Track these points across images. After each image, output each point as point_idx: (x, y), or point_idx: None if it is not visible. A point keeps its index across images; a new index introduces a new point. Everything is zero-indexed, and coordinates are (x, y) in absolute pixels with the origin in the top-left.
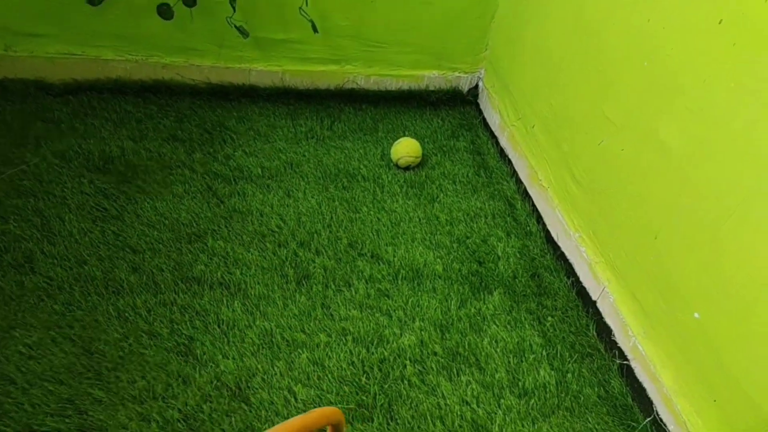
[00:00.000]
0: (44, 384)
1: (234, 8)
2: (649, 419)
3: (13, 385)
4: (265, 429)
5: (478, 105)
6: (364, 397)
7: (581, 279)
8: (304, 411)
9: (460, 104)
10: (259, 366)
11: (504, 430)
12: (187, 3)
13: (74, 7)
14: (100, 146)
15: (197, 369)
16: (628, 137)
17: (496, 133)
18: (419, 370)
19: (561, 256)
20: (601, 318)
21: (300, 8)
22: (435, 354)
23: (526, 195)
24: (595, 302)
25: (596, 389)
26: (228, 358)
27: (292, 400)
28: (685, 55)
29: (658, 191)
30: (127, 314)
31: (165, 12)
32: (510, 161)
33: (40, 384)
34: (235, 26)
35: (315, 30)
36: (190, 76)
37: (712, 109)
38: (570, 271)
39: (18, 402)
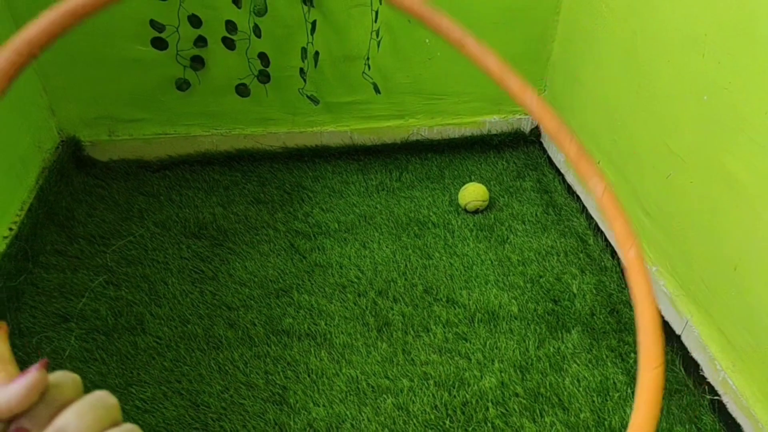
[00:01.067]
0: None
1: (305, 80)
2: None
3: None
4: None
5: (541, 144)
6: None
7: (663, 313)
8: None
9: (524, 145)
10: (348, 412)
11: None
12: (262, 80)
13: (165, 93)
14: (194, 214)
15: (291, 417)
16: (695, 170)
17: (561, 171)
18: (502, 412)
19: None
20: (687, 352)
21: (363, 72)
22: (516, 395)
23: (598, 230)
24: (679, 336)
25: (687, 426)
26: (319, 406)
27: None
28: (744, 88)
29: (733, 223)
30: (226, 367)
31: (243, 91)
32: (578, 197)
33: None
34: (307, 96)
35: (377, 91)
36: (268, 143)
37: None
38: None
39: None
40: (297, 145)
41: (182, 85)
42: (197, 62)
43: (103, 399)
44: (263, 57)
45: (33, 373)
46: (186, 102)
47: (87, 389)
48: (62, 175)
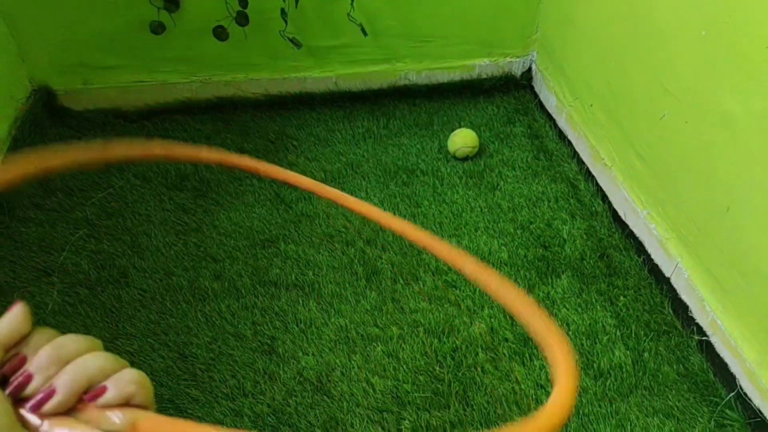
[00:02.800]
0: None
1: (286, 22)
2: (732, 394)
3: None
4: (348, 419)
5: (532, 88)
6: (439, 386)
7: (652, 256)
8: (383, 401)
9: (514, 89)
10: (337, 360)
11: (581, 411)
12: (240, 22)
13: (140, 37)
14: (175, 165)
15: (281, 366)
16: (690, 110)
17: (553, 115)
18: (491, 356)
19: (630, 235)
20: (677, 295)
21: (348, 14)
22: (506, 340)
23: (588, 175)
24: (668, 279)
25: (675, 367)
26: (308, 355)
27: (371, 390)
28: (745, 22)
29: (726, 164)
30: (213, 319)
31: (220, 34)
32: (570, 142)
33: None
34: (289, 38)
35: (364, 33)
36: (250, 90)
37: None
38: (640, 249)
39: None
40: (280, 92)
41: (157, 28)
42: (171, 2)
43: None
44: None
45: (18, 305)
46: (162, 47)
47: None
48: (36, 126)
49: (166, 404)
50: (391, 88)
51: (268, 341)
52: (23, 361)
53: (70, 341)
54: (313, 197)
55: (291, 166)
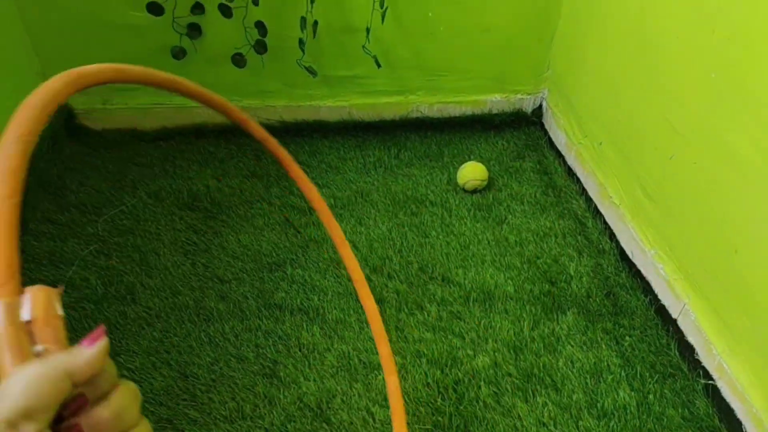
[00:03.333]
0: (146, 405)
1: (303, 51)
2: None
3: None
4: None
5: (542, 125)
6: (440, 418)
7: (659, 296)
8: (382, 431)
9: (525, 125)
10: (338, 387)
11: None
12: (258, 51)
13: (161, 61)
14: (188, 185)
15: (281, 390)
16: (699, 150)
17: (562, 152)
18: (494, 391)
19: (637, 274)
20: (683, 336)
21: (363, 46)
22: (509, 375)
23: (597, 213)
24: (675, 320)
25: (680, 410)
26: (309, 380)
27: (371, 420)
28: (755, 63)
29: (735, 205)
30: (217, 340)
31: (239, 61)
32: (578, 179)
33: (143, 406)
34: (305, 67)
35: (378, 65)
36: (265, 116)
37: None
38: (647, 288)
39: None
40: (295, 120)
41: (178, 53)
42: (194, 30)
43: (136, 390)
44: (260, 26)
45: (102, 338)
46: (182, 71)
47: None
48: (54, 143)
49: (165, 424)
50: (403, 120)
51: (270, 364)
52: (83, 404)
53: (130, 415)
54: (322, 224)
55: (302, 192)
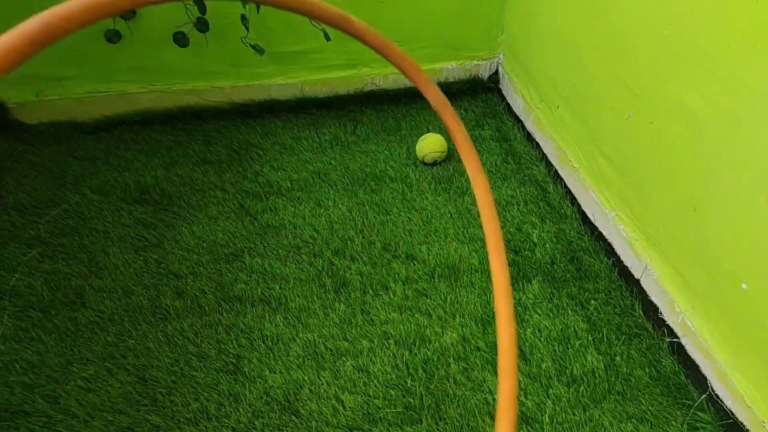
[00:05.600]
0: (104, 415)
1: (247, 28)
2: (704, 396)
3: (76, 419)
4: None
5: (500, 91)
6: (411, 400)
7: (622, 258)
8: (353, 419)
9: (482, 92)
10: (305, 378)
11: (554, 419)
12: (200, 29)
13: (95, 46)
14: (135, 177)
15: (246, 386)
16: (655, 109)
17: (521, 118)
18: (464, 367)
19: (599, 237)
20: (647, 296)
21: (310, 19)
22: (479, 349)
23: (557, 178)
24: (638, 281)
25: (647, 370)
26: (275, 373)
27: (341, 408)
28: (707, 19)
29: (692, 163)
30: (175, 339)
31: (180, 40)
32: (538, 145)
33: (100, 415)
34: (251, 45)
35: (327, 38)
36: (212, 98)
37: (738, 73)
38: (609, 251)
39: None
40: (244, 100)
41: (112, 36)
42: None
43: None
44: (200, 2)
45: None
46: (119, 56)
47: (24, 370)
48: None
49: None
50: (357, 94)
51: (233, 360)
52: None
53: None
54: (279, 207)
55: (256, 175)
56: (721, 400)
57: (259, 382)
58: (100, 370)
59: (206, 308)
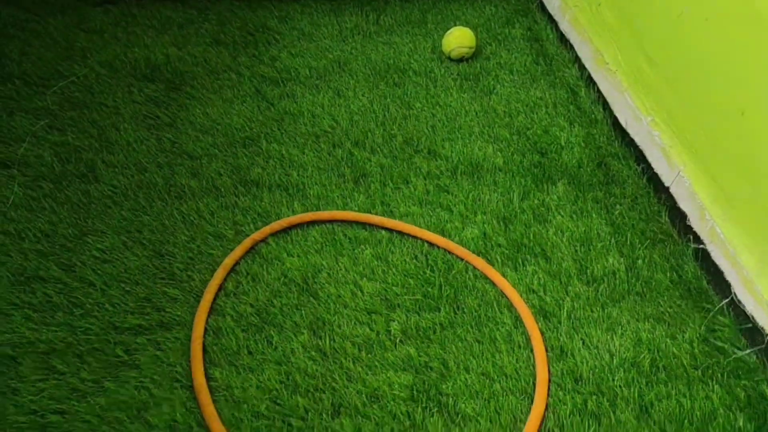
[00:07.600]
0: (121, 285)
1: None
2: (725, 301)
3: (93, 287)
4: (335, 320)
5: None
6: (430, 289)
7: (653, 165)
8: (371, 303)
9: None
10: (324, 262)
11: (572, 315)
12: None
13: None
14: (145, 54)
15: (264, 267)
16: (712, 5)
17: (555, 17)
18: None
19: (630, 143)
20: (675, 204)
21: None
22: (499, 246)
23: (590, 81)
24: (668, 188)
25: (668, 274)
26: (293, 256)
27: (359, 293)
28: None
29: (747, 64)
30: (191, 217)
31: None
32: (572, 46)
33: (117, 285)
34: None
35: None
36: None
37: None
38: (640, 157)
39: (99, 302)
40: None
41: None
42: None
43: None
44: None
45: None
46: None
47: (37, 238)
48: None
49: (143, 303)
50: None
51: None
52: None
53: None
54: (297, 94)
55: (273, 60)
56: (743, 305)
57: (277, 264)
58: (115, 242)
59: (222, 190)
